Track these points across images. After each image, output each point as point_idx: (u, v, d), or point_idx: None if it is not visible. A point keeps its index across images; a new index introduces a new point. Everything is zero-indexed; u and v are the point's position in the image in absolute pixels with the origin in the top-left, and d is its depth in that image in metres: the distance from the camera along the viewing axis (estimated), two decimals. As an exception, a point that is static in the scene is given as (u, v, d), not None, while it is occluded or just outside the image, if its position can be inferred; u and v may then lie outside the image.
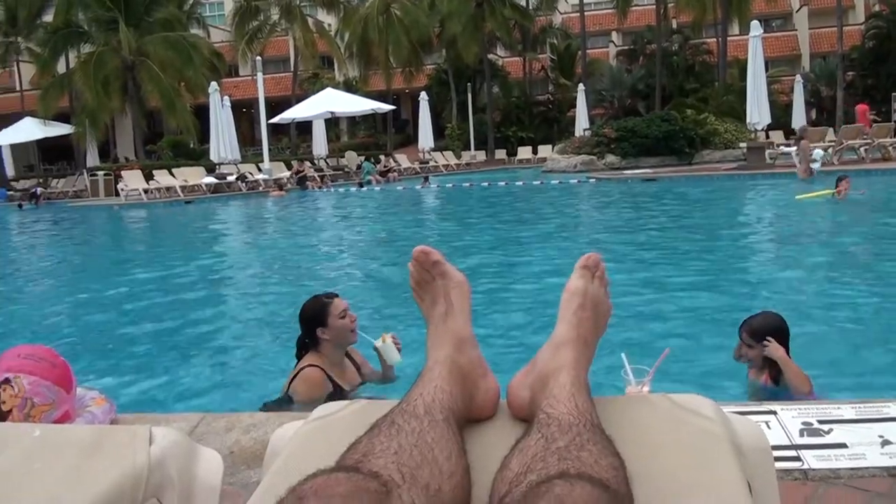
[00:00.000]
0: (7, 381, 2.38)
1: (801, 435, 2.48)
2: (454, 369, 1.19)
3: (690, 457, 1.09)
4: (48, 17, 41.58)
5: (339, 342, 4.09)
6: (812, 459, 2.34)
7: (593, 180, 24.49)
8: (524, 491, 0.89)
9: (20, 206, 29.30)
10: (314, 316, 4.04)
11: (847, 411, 2.65)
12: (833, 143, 23.68)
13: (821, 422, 2.57)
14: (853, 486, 2.21)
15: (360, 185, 29.40)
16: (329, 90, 36.91)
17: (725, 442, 1.12)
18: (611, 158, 29.20)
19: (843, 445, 2.41)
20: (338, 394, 4.00)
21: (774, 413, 2.65)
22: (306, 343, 4.12)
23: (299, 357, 4.16)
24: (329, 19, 48.76)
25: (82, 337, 7.29)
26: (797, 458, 2.33)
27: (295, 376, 4.00)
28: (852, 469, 2.28)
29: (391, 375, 4.32)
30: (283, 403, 3.96)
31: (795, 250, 10.02)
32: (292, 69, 47.98)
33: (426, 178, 30.13)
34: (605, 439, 1.01)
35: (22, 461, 1.30)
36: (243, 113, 47.27)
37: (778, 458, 2.19)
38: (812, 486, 2.21)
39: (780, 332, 3.86)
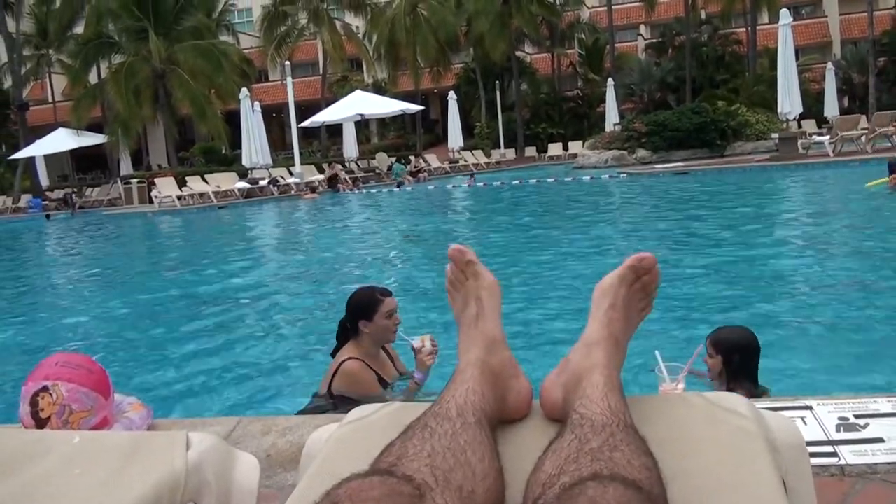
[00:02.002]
0: (45, 388, 2.41)
1: (838, 430, 2.45)
2: (486, 371, 1.19)
3: (725, 455, 1.08)
4: (79, 29, 42.20)
5: (378, 339, 4.10)
6: (849, 455, 2.31)
7: (624, 175, 24.37)
8: (557, 493, 0.89)
9: (48, 216, 29.40)
10: (362, 307, 4.04)
11: (883, 405, 2.61)
12: (866, 131, 23.38)
13: (857, 416, 2.54)
14: (890, 481, 2.18)
15: (398, 186, 29.47)
16: (358, 92, 37.03)
17: (760, 440, 1.11)
18: (642, 153, 29.06)
19: (880, 440, 2.38)
20: (382, 383, 4.03)
21: (810, 408, 2.62)
22: (346, 330, 4.13)
23: (339, 339, 4.19)
24: (356, 22, 48.91)
25: (119, 343, 7.38)
26: (834, 454, 2.31)
27: (335, 372, 4.01)
28: (889, 464, 2.25)
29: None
30: (326, 401, 3.97)
31: (847, 242, 9.83)
32: (321, 72, 48.16)
33: (472, 175, 30.23)
34: (639, 439, 1.00)
35: (62, 467, 1.32)
36: (274, 117, 47.57)
37: (814, 454, 2.17)
38: (849, 482, 2.19)
39: (745, 350, 3.72)
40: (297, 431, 2.93)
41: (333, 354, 4.18)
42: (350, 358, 4.01)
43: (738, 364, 3.68)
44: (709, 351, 3.73)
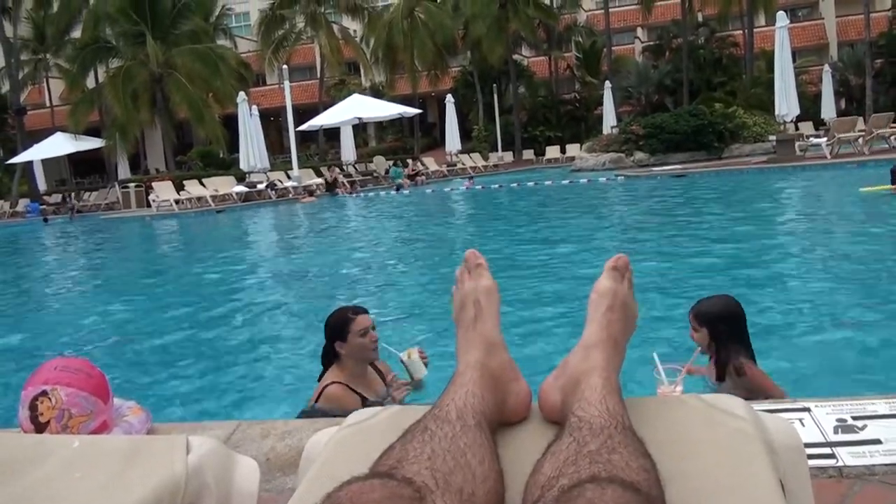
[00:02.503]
0: (44, 393, 2.41)
1: (836, 432, 2.45)
2: (485, 373, 1.19)
3: (723, 457, 1.08)
4: (76, 34, 42.20)
5: (356, 358, 3.98)
6: (847, 456, 2.31)
7: (622, 178, 24.39)
8: (556, 495, 0.89)
9: (45, 220, 29.57)
10: (335, 329, 3.95)
11: (881, 406, 2.61)
12: (863, 133, 23.40)
13: (855, 418, 2.54)
14: (888, 482, 2.18)
15: (397, 189, 29.57)
16: (356, 96, 37.05)
17: (758, 441, 1.12)
18: (639, 155, 29.10)
19: (878, 441, 2.38)
20: (366, 404, 3.95)
21: (808, 410, 2.62)
22: (329, 353, 4.03)
23: (324, 364, 4.10)
24: (354, 25, 48.94)
25: (118, 347, 7.37)
26: (832, 456, 2.31)
27: (318, 397, 3.92)
28: (887, 465, 2.25)
29: (418, 387, 4.20)
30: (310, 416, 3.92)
31: (845, 244, 9.80)
32: (319, 76, 48.16)
33: (470, 178, 30.30)
34: (637, 441, 1.01)
35: (62, 472, 1.32)
36: (271, 121, 47.56)
37: (813, 456, 2.17)
38: (847, 484, 2.19)
39: (731, 318, 3.57)
40: (296, 435, 2.93)
41: (320, 379, 4.07)
42: (333, 382, 3.91)
43: (726, 333, 3.54)
44: (693, 325, 3.60)
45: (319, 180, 30.56)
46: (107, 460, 1.34)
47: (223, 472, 1.39)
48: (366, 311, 4.01)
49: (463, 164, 38.95)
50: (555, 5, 49.64)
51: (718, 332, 3.54)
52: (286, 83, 30.33)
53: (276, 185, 29.08)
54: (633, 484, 0.89)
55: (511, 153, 45.20)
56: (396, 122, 48.57)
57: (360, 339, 3.89)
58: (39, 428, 2.39)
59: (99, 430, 2.50)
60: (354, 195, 29.00)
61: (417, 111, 38.91)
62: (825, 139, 22.69)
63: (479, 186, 26.99)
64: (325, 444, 1.26)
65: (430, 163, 38.30)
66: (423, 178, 33.92)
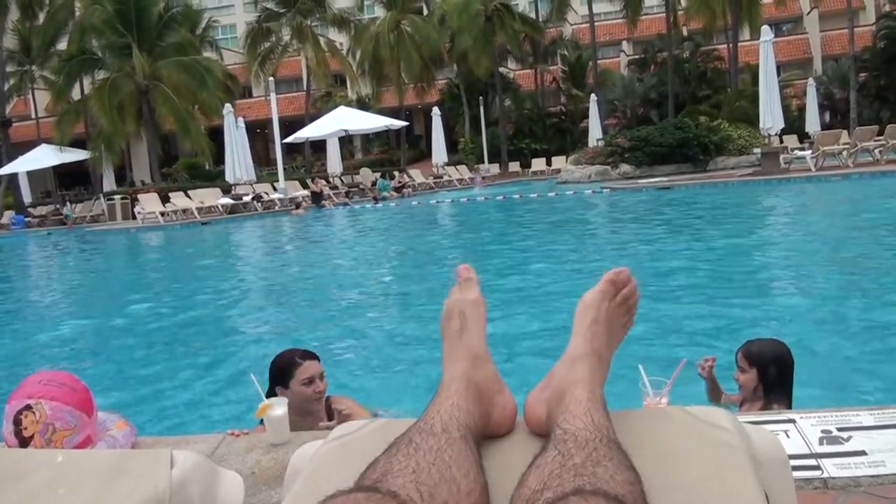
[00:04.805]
0: (28, 407, 2.40)
1: (821, 443, 2.46)
2: (470, 385, 1.19)
3: (708, 469, 1.08)
4: (62, 45, 42.06)
5: (296, 408, 3.44)
6: (832, 468, 2.31)
7: (607, 190, 24.46)
8: (540, 508, 0.90)
9: (48, 233, 29.80)
10: (279, 372, 3.56)
11: (866, 418, 2.62)
12: (847, 146, 23.55)
13: (840, 429, 2.54)
14: (873, 493, 2.19)
15: (376, 201, 29.66)
16: (342, 108, 37.08)
17: (742, 453, 1.12)
18: (625, 168, 29.20)
19: (863, 453, 2.39)
20: None
21: (793, 422, 2.63)
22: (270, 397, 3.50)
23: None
24: (340, 38, 48.97)
25: (102, 361, 7.33)
26: (817, 467, 2.31)
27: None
28: (872, 476, 2.26)
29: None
30: None
31: (830, 255, 9.84)
32: (305, 88, 48.19)
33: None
34: (622, 454, 1.01)
35: (46, 487, 1.31)
36: (257, 133, 47.49)
37: (798, 468, 2.18)
38: (832, 496, 2.20)
39: (782, 364, 3.40)
40: (281, 448, 2.92)
41: None
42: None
43: (775, 377, 3.37)
44: (740, 366, 3.43)
45: (306, 192, 30.51)
46: (91, 475, 1.33)
47: (207, 487, 1.38)
48: (315, 357, 3.61)
49: (449, 176, 39.01)
50: (540, 19, 49.89)
51: (768, 376, 3.38)
52: (272, 95, 30.32)
53: (262, 197, 29.04)
54: (617, 497, 0.89)
55: (497, 165, 45.30)
56: (383, 135, 48.61)
57: (303, 388, 3.50)
58: (23, 442, 2.37)
59: (83, 444, 2.48)
60: (344, 206, 29.02)
61: (404, 123, 38.94)
62: (810, 152, 22.83)
63: (465, 199, 27.01)
64: (310, 457, 1.25)
65: (417, 175, 38.34)
66: (410, 190, 33.96)
